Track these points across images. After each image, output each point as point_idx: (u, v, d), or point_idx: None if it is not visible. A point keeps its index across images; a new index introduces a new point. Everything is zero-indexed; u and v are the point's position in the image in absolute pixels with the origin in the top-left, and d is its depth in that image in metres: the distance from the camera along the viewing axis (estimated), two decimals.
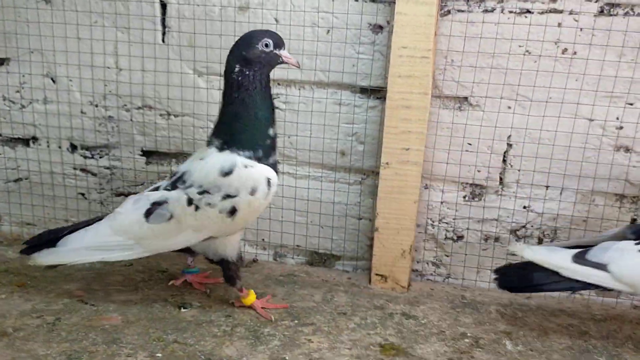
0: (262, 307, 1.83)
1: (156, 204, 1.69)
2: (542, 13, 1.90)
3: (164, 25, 2.13)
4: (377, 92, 2.04)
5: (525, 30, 1.91)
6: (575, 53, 1.91)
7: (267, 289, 2.02)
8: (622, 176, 2.00)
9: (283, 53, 1.65)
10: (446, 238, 2.17)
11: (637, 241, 1.72)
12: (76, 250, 1.72)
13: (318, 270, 2.21)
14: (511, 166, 2.06)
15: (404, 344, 1.73)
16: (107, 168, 2.29)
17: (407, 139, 1.93)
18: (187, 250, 1.80)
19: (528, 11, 1.91)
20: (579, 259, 1.73)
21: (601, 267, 1.70)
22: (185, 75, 2.14)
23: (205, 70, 2.13)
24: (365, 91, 2.07)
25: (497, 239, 2.14)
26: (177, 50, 2.13)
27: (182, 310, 1.85)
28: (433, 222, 2.16)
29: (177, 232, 1.68)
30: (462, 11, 1.94)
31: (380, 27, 1.99)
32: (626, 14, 1.87)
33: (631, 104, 1.93)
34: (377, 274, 2.07)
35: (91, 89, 2.22)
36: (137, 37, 2.14)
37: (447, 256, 2.17)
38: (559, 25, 1.89)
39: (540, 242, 2.11)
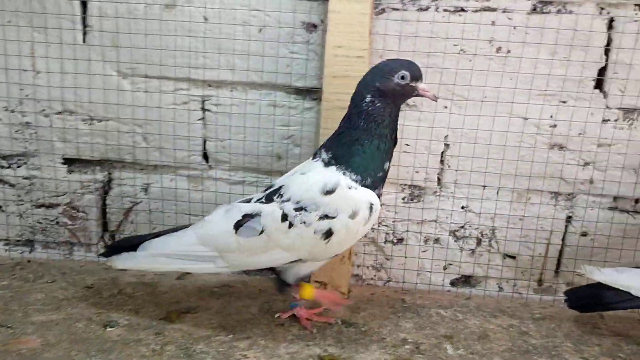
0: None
1: (248, 216, 1.59)
2: (476, 11, 1.88)
3: (84, 24, 1.99)
4: (313, 93, 1.98)
5: (460, 28, 1.88)
6: (509, 51, 1.89)
7: (201, 301, 1.92)
8: (557, 174, 2.00)
9: (420, 86, 1.57)
10: (386, 241, 2.13)
11: None
12: (155, 256, 1.66)
13: (255, 280, 2.12)
14: (449, 166, 2.03)
15: (344, 354, 1.67)
16: (26, 178, 2.13)
17: None
18: (270, 269, 1.73)
19: (462, 9, 1.88)
20: None
21: None
22: (108, 77, 2.01)
23: (130, 71, 2.01)
24: (300, 92, 2.00)
25: (436, 241, 2.11)
26: (99, 51, 2.00)
27: (108, 329, 1.73)
28: (373, 226, 2.10)
29: (265, 249, 1.58)
30: (397, 9, 1.89)
31: (315, 26, 1.92)
32: (558, 11, 1.86)
33: (564, 102, 1.93)
34: (316, 281, 1.99)
35: (6, 94, 2.05)
36: (55, 38, 2.00)
37: (388, 259, 2.13)
38: (493, 23, 1.87)
39: (479, 242, 2.09)
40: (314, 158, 1.63)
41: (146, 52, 1.96)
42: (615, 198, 2.04)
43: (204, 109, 2.02)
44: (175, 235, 1.67)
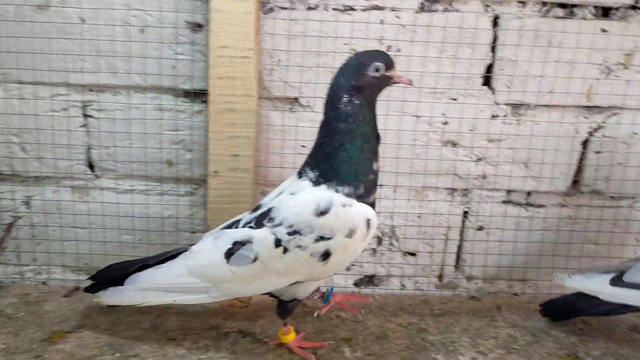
0: (298, 347, 1.67)
1: (239, 244, 1.48)
2: (364, 10, 1.86)
3: None
4: (202, 96, 1.90)
5: (349, 27, 1.85)
6: (399, 50, 1.88)
7: (88, 319, 1.81)
8: (451, 170, 2.01)
9: (395, 74, 1.48)
10: None
11: None
12: (144, 290, 1.59)
13: None
14: None
15: None
16: None
17: (235, 145, 1.81)
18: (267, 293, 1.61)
19: (351, 8, 1.86)
20: (616, 281, 1.76)
21: (638, 287, 1.73)
22: None
23: (1, 77, 1.86)
24: (189, 95, 1.91)
25: None
26: None
27: None
28: None
29: (261, 276, 1.49)
30: (285, 8, 1.85)
31: (199, 26, 1.85)
32: (445, 9, 1.87)
33: (455, 99, 1.94)
34: None
35: None
36: None
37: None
38: (382, 22, 1.86)
39: (379, 241, 2.08)
40: (299, 177, 1.53)
41: (18, 56, 1.82)
42: (509, 192, 2.08)
43: (85, 115, 1.90)
44: (163, 267, 1.58)
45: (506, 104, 1.96)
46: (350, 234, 1.45)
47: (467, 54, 1.89)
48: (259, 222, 1.50)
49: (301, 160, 1.85)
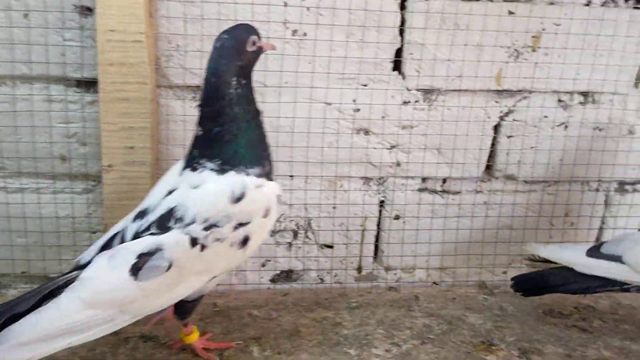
0: (202, 348, 1.58)
1: (145, 256, 1.30)
2: None
3: None
4: (95, 85, 1.76)
5: (249, 10, 1.75)
6: (305, 34, 1.80)
7: None
8: (365, 159, 1.96)
9: (263, 43, 1.44)
10: None
11: None
12: (28, 344, 1.23)
13: None
14: None
15: None
16: None
17: (129, 137, 1.69)
18: None
19: None
20: (593, 252, 1.69)
21: (616, 259, 1.66)
22: None
23: None
24: (81, 84, 1.78)
25: None
26: None
27: None
28: None
29: (178, 282, 1.35)
30: None
31: (89, 10, 1.72)
32: None
33: (365, 85, 1.88)
34: None
35: None
36: None
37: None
38: (285, 4, 1.77)
39: (295, 235, 2.00)
40: (194, 170, 1.41)
41: None
42: (424, 179, 2.04)
43: None
44: (45, 310, 1.27)
45: (417, 90, 1.92)
46: (266, 213, 1.42)
47: (374, 37, 1.84)
48: (162, 226, 1.35)
49: None
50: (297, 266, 2.06)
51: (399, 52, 1.89)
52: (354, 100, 1.90)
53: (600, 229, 2.20)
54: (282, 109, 1.85)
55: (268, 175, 1.45)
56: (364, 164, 1.97)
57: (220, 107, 1.39)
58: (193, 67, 1.79)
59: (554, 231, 2.13)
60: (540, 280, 1.80)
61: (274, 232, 2.00)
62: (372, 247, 2.11)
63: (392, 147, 1.96)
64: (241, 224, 1.38)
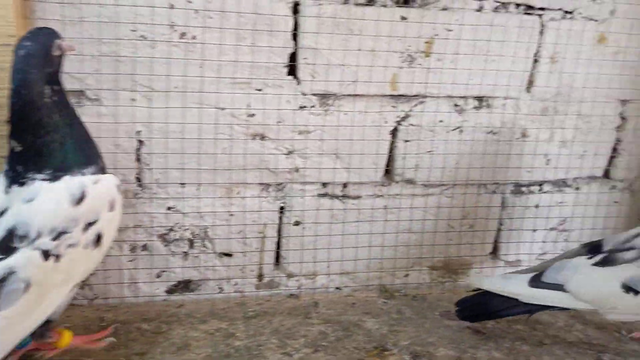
0: (83, 342, 1.56)
1: None
2: None
3: None
4: None
5: (132, 11, 1.68)
6: (194, 37, 1.74)
7: None
8: (262, 165, 1.92)
9: (65, 45, 1.37)
10: None
11: (589, 256, 1.69)
12: None
13: None
14: (147, 165, 1.84)
15: None
16: None
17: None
18: None
19: None
20: (535, 282, 1.69)
21: (558, 287, 1.66)
22: None
23: None
24: None
25: (144, 247, 1.91)
26: None
27: None
28: None
29: (41, 300, 1.30)
30: None
31: None
32: None
33: (260, 90, 1.85)
34: None
35: None
36: None
37: (92, 274, 1.87)
38: (172, 6, 1.70)
39: (191, 244, 1.94)
40: (22, 185, 1.33)
41: None
42: (324, 184, 2.02)
43: None
44: None
45: (313, 94, 1.90)
46: (112, 206, 1.41)
47: (267, 41, 1.80)
48: (6, 250, 1.28)
49: None
50: (194, 276, 2.00)
51: (293, 57, 1.86)
52: (248, 105, 1.86)
53: (498, 230, 2.25)
54: (171, 114, 1.78)
55: (103, 170, 1.44)
56: (262, 170, 1.93)
57: (38, 119, 1.33)
58: (74, 71, 1.70)
59: (452, 233, 2.16)
60: (484, 308, 1.80)
61: (168, 242, 1.93)
62: (273, 254, 2.07)
63: (290, 152, 1.93)
64: (90, 224, 1.36)
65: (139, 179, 1.86)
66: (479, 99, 2.06)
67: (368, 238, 2.10)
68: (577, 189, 2.28)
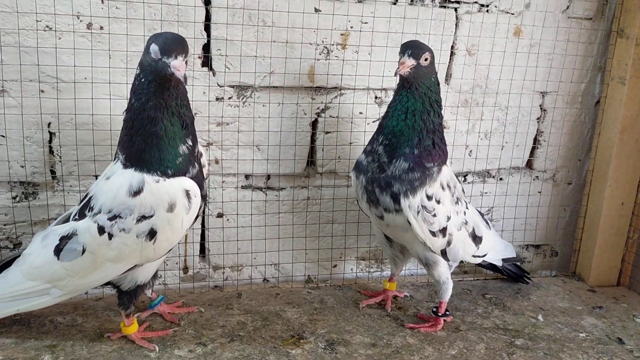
0: (141, 338, 1.57)
1: (65, 239, 1.40)
2: None
3: None
4: None
5: (36, 2, 1.58)
6: (102, 28, 1.66)
7: None
8: None
9: (173, 63, 1.27)
10: (0, 248, 1.76)
11: None
12: None
13: None
14: (60, 157, 1.74)
15: None
16: None
17: None
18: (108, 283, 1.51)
19: None
20: None
21: None
22: None
23: None
24: None
25: None
26: None
27: None
28: None
29: (94, 267, 1.40)
30: None
31: None
32: None
33: None
34: None
35: None
36: None
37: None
38: None
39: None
40: (114, 158, 1.44)
41: None
42: (247, 176, 1.94)
43: None
44: None
45: (230, 86, 1.82)
46: (171, 208, 1.39)
47: (179, 32, 1.69)
48: (81, 213, 1.42)
49: (3, 152, 1.59)
50: None
51: (207, 48, 1.77)
52: None
53: None
54: (81, 106, 1.69)
55: (173, 177, 1.40)
56: None
57: (130, 97, 1.40)
58: None
59: None
60: None
61: None
62: (198, 246, 1.98)
63: (208, 144, 1.86)
64: (144, 217, 1.37)
65: (52, 172, 1.76)
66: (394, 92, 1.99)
67: (292, 229, 2.01)
68: (501, 179, 2.23)
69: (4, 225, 1.77)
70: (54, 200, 1.77)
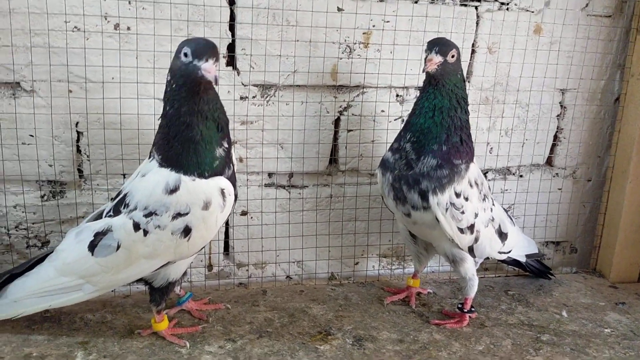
0: (171, 334, 1.58)
1: (100, 234, 1.41)
2: None
3: None
4: None
5: (62, 2, 1.61)
6: (129, 28, 1.67)
7: None
8: None
9: (204, 66, 1.27)
10: (29, 246, 1.77)
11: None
12: (20, 301, 1.48)
13: None
14: (87, 156, 1.75)
15: None
16: None
17: None
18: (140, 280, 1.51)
19: None
20: None
21: None
22: None
23: None
24: None
25: None
26: None
27: None
28: (9, 230, 1.74)
29: (128, 263, 1.41)
30: None
31: None
32: None
33: None
34: None
35: None
36: None
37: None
38: None
39: None
40: (149, 157, 1.44)
41: None
42: (270, 174, 1.94)
43: None
44: (32, 274, 1.48)
45: (254, 85, 1.83)
46: (207, 206, 1.39)
47: (203, 32, 1.72)
48: (116, 210, 1.43)
49: (32, 152, 1.61)
50: None
51: (231, 48, 1.78)
52: None
53: None
54: (109, 105, 1.70)
55: (212, 175, 1.41)
56: None
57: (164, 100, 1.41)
58: (10, 62, 1.62)
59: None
60: None
61: None
62: (222, 244, 1.98)
63: (233, 143, 1.85)
64: (179, 214, 1.38)
65: (80, 171, 1.77)
66: (419, 89, 1.99)
67: (316, 227, 2.02)
68: (521, 176, 2.22)
69: (33, 224, 1.78)
70: (81, 199, 1.78)
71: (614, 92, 2.20)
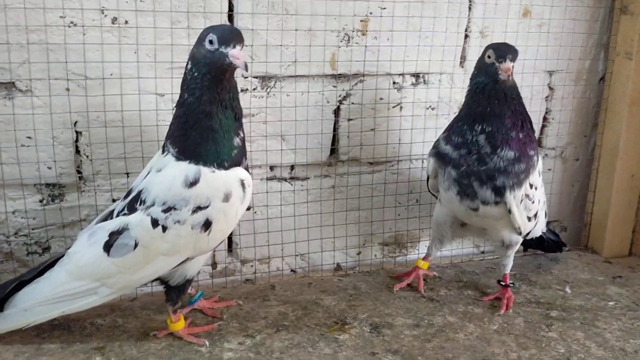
0: (189, 334, 1.53)
1: (115, 234, 1.35)
2: None
3: None
4: None
5: None
6: (126, 22, 1.61)
7: None
8: None
9: (231, 52, 1.24)
10: (29, 253, 1.70)
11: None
12: (30, 309, 1.40)
13: None
14: (87, 157, 1.68)
15: None
16: None
17: None
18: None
19: None
20: None
21: None
22: None
23: None
24: None
25: None
26: None
27: None
28: (8, 237, 1.67)
29: (147, 261, 1.36)
30: None
31: None
32: None
33: None
34: None
35: None
36: None
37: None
38: None
39: None
40: (163, 151, 1.40)
41: None
42: (272, 167, 1.91)
43: None
44: (42, 279, 1.42)
45: (254, 77, 1.78)
46: (227, 198, 1.36)
47: (202, 24, 1.68)
48: (131, 207, 1.38)
49: (28, 154, 1.54)
50: None
51: None
52: None
53: None
54: (109, 102, 1.64)
55: (227, 169, 1.37)
56: None
57: (181, 89, 1.37)
58: (4, 61, 1.55)
59: (400, 209, 2.09)
60: None
61: None
62: (225, 241, 1.94)
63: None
64: (200, 207, 1.34)
65: (79, 172, 1.70)
66: (416, 75, 2.01)
67: (319, 218, 2.00)
68: None
69: (33, 229, 1.71)
70: (82, 201, 1.72)
71: (598, 72, 2.25)
